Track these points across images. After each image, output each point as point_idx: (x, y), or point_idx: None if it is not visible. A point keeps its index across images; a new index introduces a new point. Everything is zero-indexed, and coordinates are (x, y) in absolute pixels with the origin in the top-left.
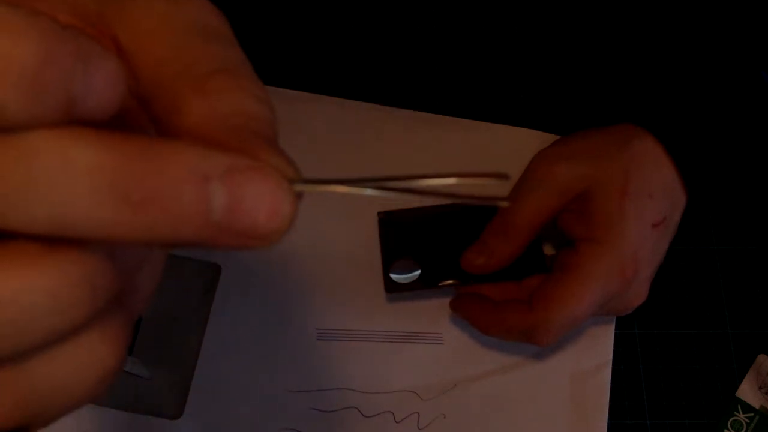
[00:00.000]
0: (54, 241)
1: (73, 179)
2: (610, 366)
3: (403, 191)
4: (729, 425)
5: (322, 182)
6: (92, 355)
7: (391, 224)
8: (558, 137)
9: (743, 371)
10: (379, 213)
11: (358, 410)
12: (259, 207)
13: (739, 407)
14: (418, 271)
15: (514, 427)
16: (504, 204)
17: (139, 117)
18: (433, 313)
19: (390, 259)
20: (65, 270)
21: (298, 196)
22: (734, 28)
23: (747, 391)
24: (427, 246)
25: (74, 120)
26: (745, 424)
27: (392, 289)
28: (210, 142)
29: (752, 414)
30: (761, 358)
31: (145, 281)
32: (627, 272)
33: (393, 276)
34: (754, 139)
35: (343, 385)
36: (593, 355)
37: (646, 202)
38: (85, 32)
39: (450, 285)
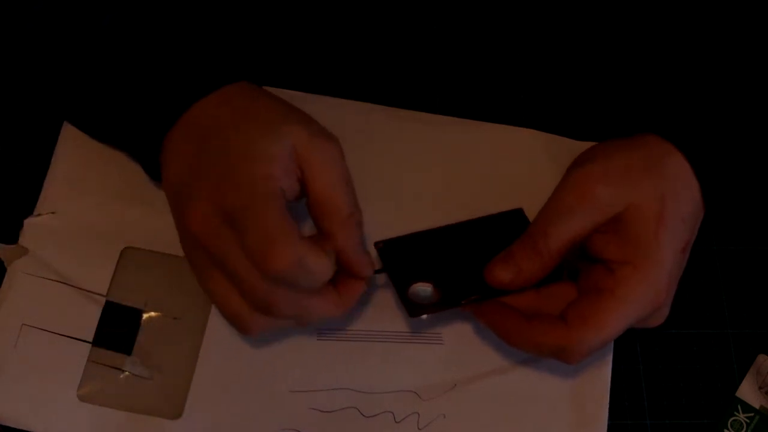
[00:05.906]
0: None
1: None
2: (610, 366)
3: None
4: (729, 425)
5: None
6: (324, 297)
7: (394, 252)
8: (558, 137)
9: (743, 371)
10: (376, 244)
11: (358, 410)
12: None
13: (739, 407)
14: (438, 291)
15: (514, 427)
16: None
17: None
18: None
19: (404, 285)
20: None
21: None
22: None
23: (747, 391)
24: (439, 265)
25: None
26: (745, 424)
27: (416, 313)
28: (347, 260)
29: (752, 414)
30: (761, 358)
31: None
32: (660, 298)
33: (413, 300)
34: (758, 144)
35: (343, 385)
36: (593, 355)
37: (679, 227)
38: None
39: (472, 300)
